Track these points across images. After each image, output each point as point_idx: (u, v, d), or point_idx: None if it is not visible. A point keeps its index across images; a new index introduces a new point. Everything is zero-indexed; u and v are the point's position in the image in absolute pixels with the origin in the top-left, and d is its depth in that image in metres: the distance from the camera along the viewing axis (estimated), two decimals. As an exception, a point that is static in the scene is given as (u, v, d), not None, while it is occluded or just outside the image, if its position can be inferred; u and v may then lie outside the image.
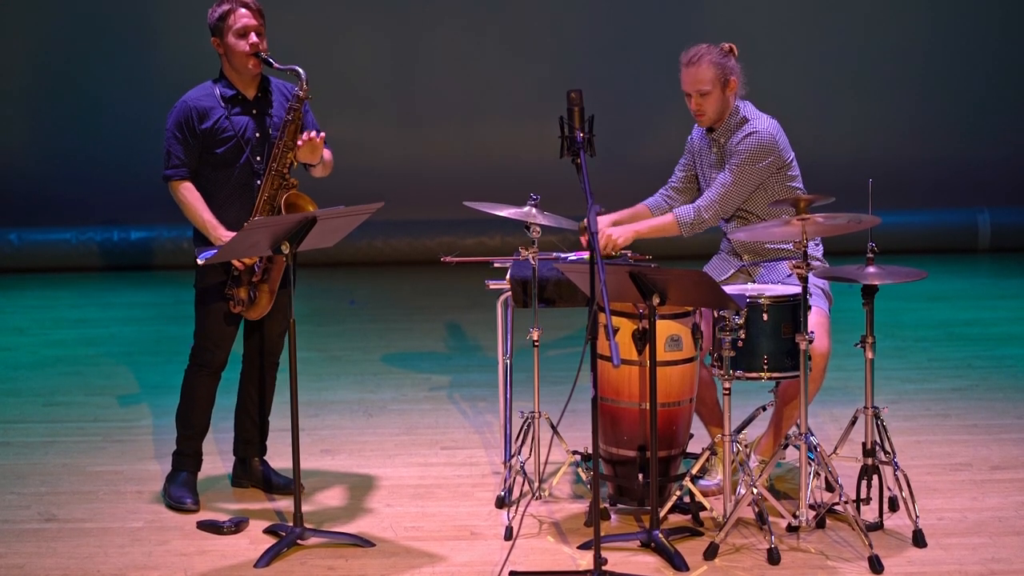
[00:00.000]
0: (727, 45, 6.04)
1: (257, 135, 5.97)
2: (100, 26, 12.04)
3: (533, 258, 5.91)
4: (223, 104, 5.94)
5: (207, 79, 6.07)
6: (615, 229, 6.06)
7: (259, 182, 5.92)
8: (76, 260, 11.80)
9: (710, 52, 5.99)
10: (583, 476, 6.00)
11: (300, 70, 5.87)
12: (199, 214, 5.91)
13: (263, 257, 5.88)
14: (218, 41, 5.94)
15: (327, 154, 6.10)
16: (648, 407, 5.54)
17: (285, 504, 6.02)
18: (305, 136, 5.86)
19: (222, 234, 5.85)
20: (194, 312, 6.08)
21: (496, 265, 6.45)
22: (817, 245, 6.14)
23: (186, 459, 6.15)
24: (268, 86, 6.05)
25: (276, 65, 5.89)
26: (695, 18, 12.05)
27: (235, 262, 5.86)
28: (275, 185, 5.89)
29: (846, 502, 5.46)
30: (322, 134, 5.92)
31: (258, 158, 5.95)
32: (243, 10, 5.90)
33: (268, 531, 5.74)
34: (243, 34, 5.88)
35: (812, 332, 5.48)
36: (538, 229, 5.89)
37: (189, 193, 5.93)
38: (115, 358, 8.74)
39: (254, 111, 5.98)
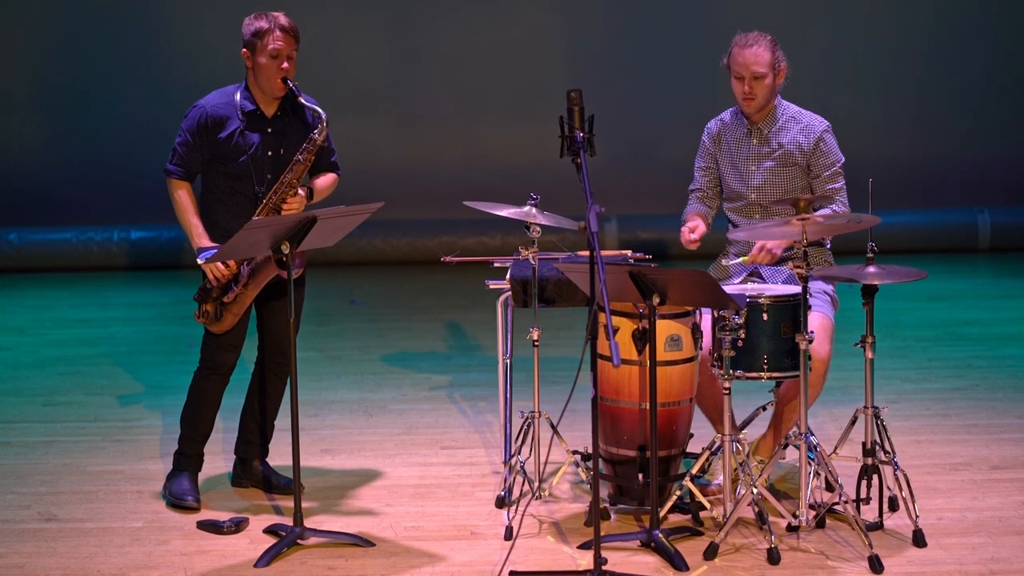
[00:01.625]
0: (772, 36, 6.08)
1: (269, 153, 5.96)
2: (100, 28, 12.04)
3: (533, 258, 5.91)
4: (241, 117, 5.94)
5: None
6: (771, 242, 5.90)
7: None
8: (76, 260, 11.79)
9: (764, 38, 6.03)
10: (583, 476, 6.00)
11: (323, 113, 5.89)
12: (187, 217, 5.93)
13: (242, 283, 5.88)
14: (248, 54, 5.92)
15: (327, 180, 6.13)
16: (648, 407, 5.54)
17: (285, 504, 6.02)
18: (289, 207, 5.89)
19: (205, 243, 5.88)
20: None
21: (496, 265, 6.45)
22: (828, 248, 6.16)
23: (188, 460, 6.15)
24: (289, 105, 6.01)
25: (301, 99, 5.90)
26: (693, 18, 12.06)
27: (211, 278, 5.87)
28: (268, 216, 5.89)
29: (846, 502, 5.46)
30: (302, 192, 5.95)
31: (268, 175, 5.95)
32: (280, 33, 5.88)
33: (268, 531, 5.74)
34: (275, 56, 5.88)
35: (812, 332, 5.48)
36: (538, 229, 5.89)
37: (182, 195, 5.95)
38: (115, 358, 8.74)
39: (270, 129, 5.97)
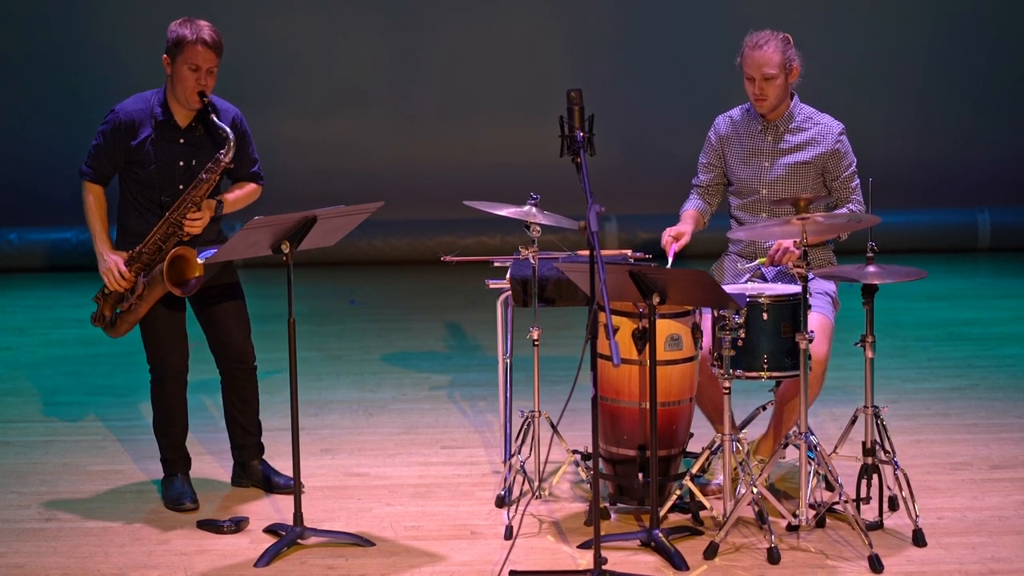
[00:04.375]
0: (786, 34, 6.06)
1: (180, 164, 5.92)
2: (100, 26, 12.05)
3: (533, 257, 5.92)
4: (153, 125, 5.90)
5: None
6: (786, 241, 5.83)
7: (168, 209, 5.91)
8: (76, 260, 11.80)
9: (775, 37, 6.01)
10: (583, 475, 6.00)
11: (230, 136, 5.81)
12: (91, 221, 5.97)
13: (136, 295, 5.87)
14: (168, 60, 5.86)
15: (244, 191, 6.07)
16: (648, 406, 5.54)
17: (285, 504, 6.02)
18: (191, 223, 5.85)
19: (104, 250, 5.90)
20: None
21: (496, 264, 6.46)
22: (832, 248, 6.17)
23: (174, 463, 6.14)
24: (206, 116, 5.91)
25: (213, 117, 5.83)
26: (694, 18, 12.06)
27: (108, 284, 5.88)
28: (168, 231, 5.87)
29: (846, 501, 5.46)
30: (210, 207, 5.91)
31: (180, 186, 5.91)
32: (202, 47, 5.79)
33: (268, 530, 5.74)
34: (194, 69, 5.81)
35: (812, 332, 5.48)
36: (538, 228, 5.89)
37: (91, 198, 5.99)
38: (115, 358, 8.74)
39: (182, 140, 5.93)
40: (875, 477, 5.63)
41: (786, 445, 5.58)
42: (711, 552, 5.42)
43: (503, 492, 5.98)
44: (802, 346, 5.46)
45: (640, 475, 5.69)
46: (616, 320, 5.59)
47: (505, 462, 6.13)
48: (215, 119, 5.84)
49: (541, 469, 6.04)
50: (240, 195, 6.08)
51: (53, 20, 12.04)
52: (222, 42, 5.87)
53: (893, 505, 5.77)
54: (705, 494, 5.74)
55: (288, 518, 5.71)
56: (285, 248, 5.52)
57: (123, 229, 6.00)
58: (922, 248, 11.81)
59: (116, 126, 5.90)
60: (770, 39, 6.00)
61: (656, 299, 5.38)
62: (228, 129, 5.83)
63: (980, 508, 5.90)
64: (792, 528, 5.58)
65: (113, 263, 5.87)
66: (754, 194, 6.13)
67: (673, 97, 12.08)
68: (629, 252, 6.44)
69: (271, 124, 11.28)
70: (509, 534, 5.65)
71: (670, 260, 6.00)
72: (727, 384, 5.56)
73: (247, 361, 6.16)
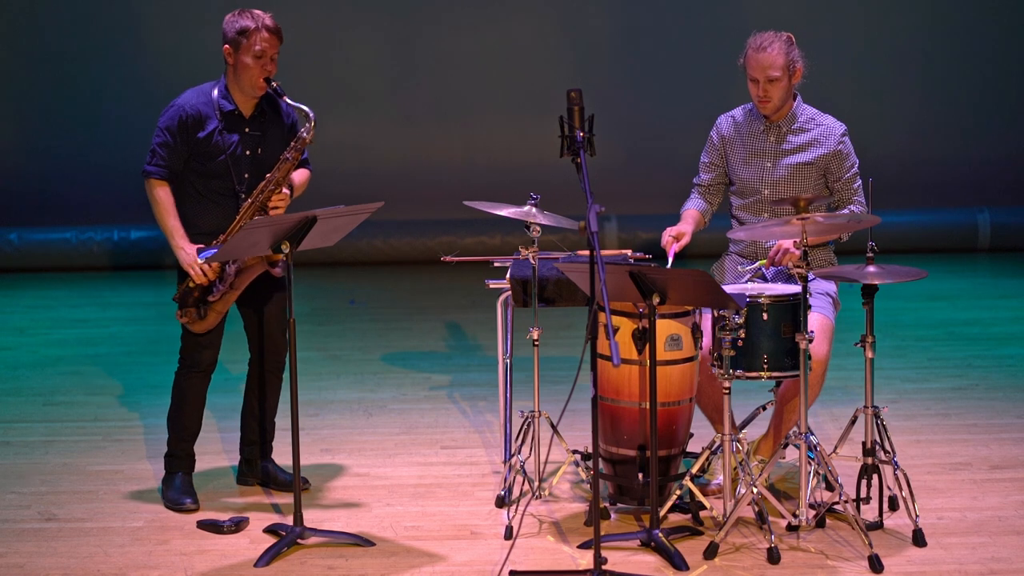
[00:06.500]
0: (788, 34, 6.06)
1: (247, 153, 5.95)
2: (99, 26, 12.05)
3: (533, 257, 5.92)
4: (220, 117, 5.92)
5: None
6: (786, 242, 5.83)
7: (243, 198, 5.91)
8: (76, 260, 11.80)
9: (779, 39, 6.01)
10: (583, 475, 6.00)
11: (310, 112, 5.87)
12: (167, 219, 5.90)
13: (228, 283, 5.87)
14: (231, 51, 5.90)
15: (303, 176, 6.13)
16: (648, 406, 5.54)
17: (285, 503, 6.02)
18: (277, 201, 5.90)
19: (184, 244, 5.87)
20: None
21: (496, 264, 6.46)
22: (832, 249, 6.16)
23: (179, 461, 6.14)
24: (266, 104, 6.02)
25: (286, 99, 5.91)
26: (694, 18, 12.06)
27: (196, 277, 5.85)
28: (253, 215, 5.89)
29: (846, 501, 5.46)
30: (286, 191, 5.96)
31: (246, 175, 5.94)
32: (266, 33, 5.88)
33: (268, 530, 5.74)
34: (259, 56, 5.87)
35: (812, 332, 5.48)
36: (538, 229, 5.89)
37: (164, 195, 5.92)
38: (115, 358, 8.74)
39: (248, 129, 5.96)
40: (875, 477, 5.63)
41: (786, 445, 5.58)
42: (711, 552, 5.42)
43: (503, 492, 5.98)
44: (802, 346, 5.46)
45: (640, 475, 5.69)
46: (616, 320, 5.59)
47: (505, 462, 6.13)
48: (288, 100, 5.92)
49: (541, 469, 6.04)
50: (302, 180, 6.13)
51: (52, 23, 12.04)
52: (281, 29, 5.95)
53: (893, 505, 5.77)
54: (705, 494, 5.74)
55: (288, 518, 5.71)
56: (285, 248, 5.52)
57: (185, 225, 5.95)
58: (922, 248, 11.81)
59: (182, 120, 5.89)
60: (774, 41, 6.00)
61: (656, 299, 5.38)
62: (306, 108, 5.87)
63: (980, 508, 5.90)
64: (792, 528, 5.58)
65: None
66: (756, 194, 6.13)
67: (673, 97, 12.08)
68: (629, 252, 6.44)
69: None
70: (509, 534, 5.65)
71: (670, 260, 6.00)
72: (727, 384, 5.56)
73: (280, 355, 6.18)
